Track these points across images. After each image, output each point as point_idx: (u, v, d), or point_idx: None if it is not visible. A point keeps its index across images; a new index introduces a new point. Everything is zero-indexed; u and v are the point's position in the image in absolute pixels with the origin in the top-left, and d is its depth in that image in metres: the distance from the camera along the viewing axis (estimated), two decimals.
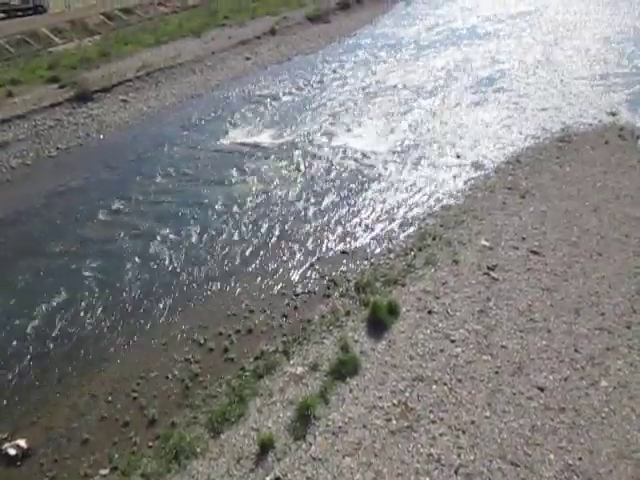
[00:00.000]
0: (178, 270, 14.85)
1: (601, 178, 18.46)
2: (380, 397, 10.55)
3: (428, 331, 12.22)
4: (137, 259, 15.28)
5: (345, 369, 11.07)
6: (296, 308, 13.30)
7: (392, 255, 15.04)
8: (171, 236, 16.24)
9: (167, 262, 15.16)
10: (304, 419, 10.03)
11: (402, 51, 33.51)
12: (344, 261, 14.96)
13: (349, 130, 22.83)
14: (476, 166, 19.59)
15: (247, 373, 11.34)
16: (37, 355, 12.18)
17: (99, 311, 13.42)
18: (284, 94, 27.17)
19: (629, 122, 22.60)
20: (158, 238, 16.16)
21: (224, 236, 16.24)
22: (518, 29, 37.27)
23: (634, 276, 13.85)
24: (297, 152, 21.14)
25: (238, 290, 14.03)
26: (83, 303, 13.67)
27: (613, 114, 23.32)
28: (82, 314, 13.32)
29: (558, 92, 25.98)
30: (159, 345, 12.37)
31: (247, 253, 15.45)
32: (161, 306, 13.53)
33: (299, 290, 13.92)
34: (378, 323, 12.40)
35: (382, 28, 39.10)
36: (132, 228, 16.72)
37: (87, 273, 14.81)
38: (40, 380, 11.54)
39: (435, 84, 27.70)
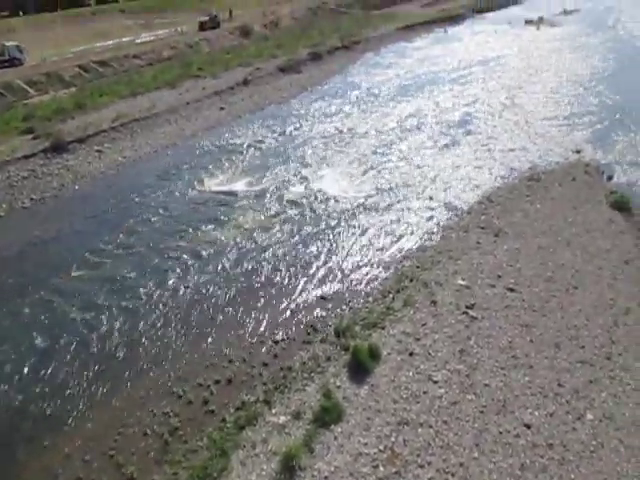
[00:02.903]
0: (154, 322, 14.57)
1: (571, 214, 18.95)
2: (366, 443, 10.34)
3: (410, 373, 12.13)
4: (112, 311, 14.97)
5: (329, 416, 10.87)
6: (276, 356, 13.11)
7: (370, 298, 15.04)
8: (146, 288, 16.00)
9: (142, 314, 14.88)
10: (289, 470, 9.74)
11: (372, 98, 34.47)
12: (323, 306, 14.89)
13: (323, 176, 23.14)
14: (449, 207, 19.95)
15: (228, 425, 11.05)
16: (4, 411, 11.71)
17: (73, 365, 13.03)
18: (258, 142, 27.54)
19: (593, 159, 23.42)
20: (133, 290, 15.92)
21: (201, 285, 16.07)
22: (483, 75, 38.79)
23: (610, 308, 14.08)
24: (272, 199, 21.28)
25: (216, 339, 13.80)
26: (57, 356, 13.29)
27: (578, 152, 24.17)
28: (55, 367, 12.92)
29: (524, 133, 26.89)
30: (137, 399, 12.00)
31: (224, 302, 15.28)
32: (138, 358, 13.20)
33: (278, 337, 13.76)
34: (360, 367, 12.28)
35: (352, 77, 40.28)
36: (106, 280, 16.45)
37: (61, 325, 14.45)
38: (8, 439, 11.05)
39: (405, 129, 28.43)
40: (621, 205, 19.08)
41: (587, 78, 36.45)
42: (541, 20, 59.41)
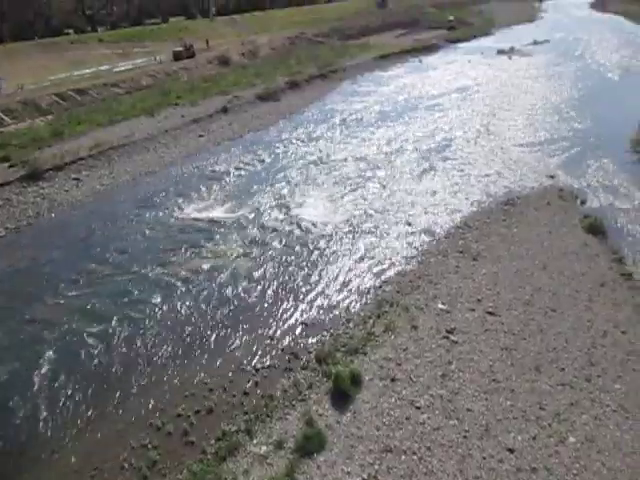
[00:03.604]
0: (130, 352, 14.30)
1: (547, 237, 19.28)
2: (349, 472, 10.20)
3: (392, 399, 12.06)
4: (86, 341, 14.67)
5: (311, 445, 10.71)
6: (257, 384, 12.94)
7: (351, 324, 15.00)
8: (122, 318, 15.72)
9: (118, 345, 14.60)
10: None
11: (350, 125, 34.95)
12: (304, 333, 14.80)
13: (302, 202, 23.24)
14: (428, 232, 20.15)
15: (209, 456, 10.82)
16: None
17: (46, 397, 12.68)
18: (237, 169, 27.61)
19: (567, 184, 23.97)
20: (108, 320, 15.61)
21: (179, 314, 15.87)
22: (458, 102, 39.69)
23: (588, 330, 14.25)
24: (252, 225, 21.26)
25: (196, 368, 13.57)
26: (32, 388, 12.92)
27: (552, 177, 24.73)
28: (27, 400, 12.55)
29: (499, 159, 27.46)
30: (114, 432, 11.70)
31: (204, 330, 15.09)
32: (115, 390, 12.91)
33: (259, 365, 13.60)
34: (342, 394, 12.18)
35: (330, 105, 40.85)
36: (80, 310, 16.13)
37: (36, 357, 14.06)
38: None
39: (383, 156, 28.82)
40: (595, 229, 19.48)
41: (558, 105, 37.55)
42: (512, 50, 61.30)
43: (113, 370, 13.60)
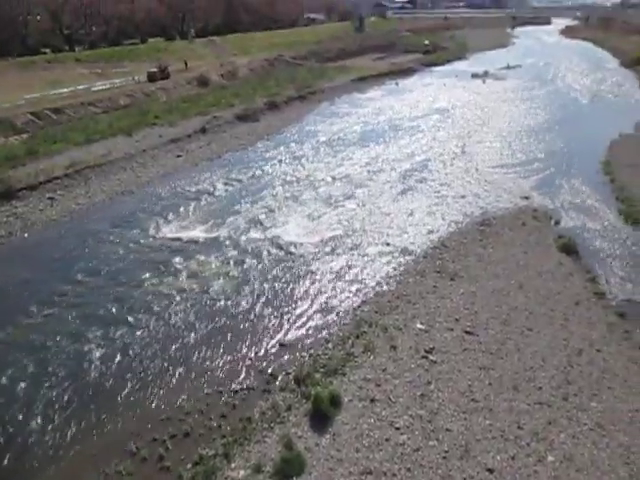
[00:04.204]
0: (104, 375, 13.98)
1: (522, 257, 19.57)
2: None
3: (372, 420, 11.99)
4: (60, 364, 14.31)
5: (290, 468, 10.55)
6: (235, 406, 12.75)
7: (330, 344, 14.93)
8: (96, 339, 15.41)
9: (92, 367, 14.28)
10: None
11: (328, 146, 35.24)
12: (282, 354, 14.67)
13: (280, 222, 23.24)
14: (405, 252, 20.28)
15: None
16: None
17: (16, 422, 12.28)
18: (215, 189, 27.54)
19: (541, 204, 24.45)
20: (83, 342, 15.29)
21: (156, 336, 15.61)
22: (434, 124, 40.37)
23: (564, 348, 14.42)
24: (230, 246, 21.15)
25: (172, 392, 13.32)
26: (2, 412, 12.51)
27: (526, 198, 25.21)
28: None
29: (475, 180, 27.91)
30: (87, 457, 11.37)
31: (179, 352, 14.85)
32: (89, 414, 12.58)
33: (237, 387, 13.42)
34: (321, 416, 12.07)
35: (309, 126, 41.19)
36: (53, 332, 15.75)
37: (6, 378, 13.67)
38: None
39: (361, 176, 29.06)
40: (569, 249, 19.85)
41: (531, 128, 38.46)
42: (486, 74, 62.88)
43: (86, 394, 13.26)
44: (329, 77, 59.39)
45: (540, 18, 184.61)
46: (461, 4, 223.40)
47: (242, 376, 13.78)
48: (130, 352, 14.82)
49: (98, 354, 14.73)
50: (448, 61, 76.57)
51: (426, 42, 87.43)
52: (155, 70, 53.24)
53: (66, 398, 13.10)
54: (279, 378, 13.60)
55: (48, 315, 16.71)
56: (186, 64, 59.09)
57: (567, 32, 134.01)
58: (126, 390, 13.37)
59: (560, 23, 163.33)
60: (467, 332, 15.17)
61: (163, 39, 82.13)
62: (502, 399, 12.55)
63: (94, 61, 59.13)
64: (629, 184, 25.94)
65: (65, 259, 20.49)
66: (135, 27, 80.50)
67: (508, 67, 69.11)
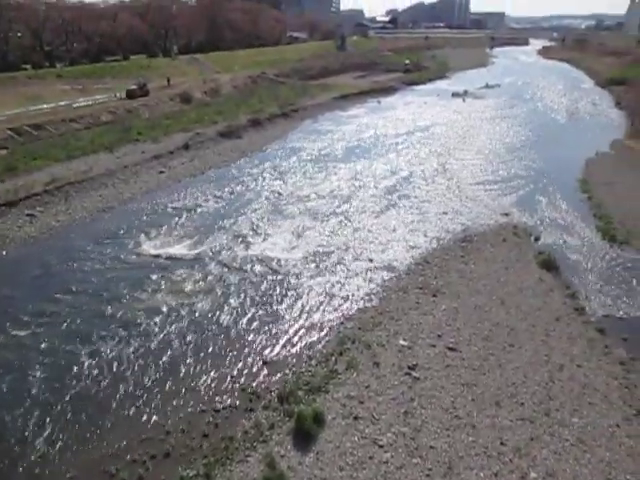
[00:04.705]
0: (83, 394, 13.73)
1: (503, 273, 19.77)
2: None
3: (355, 438, 11.92)
4: (39, 383, 14.02)
5: None
6: (217, 425, 12.59)
7: (313, 362, 14.87)
8: (76, 357, 15.14)
9: (71, 386, 14.01)
10: None
11: (312, 163, 35.41)
12: (265, 371, 14.56)
13: (264, 238, 23.21)
14: (388, 268, 20.37)
15: None
16: None
17: None
18: (198, 206, 27.45)
19: (521, 221, 24.80)
20: (61, 360, 15.01)
21: (136, 354, 15.39)
22: (416, 142, 40.87)
23: (545, 364, 14.54)
24: (212, 262, 21.03)
25: (153, 411, 13.12)
26: None
27: (506, 214, 25.56)
28: None
29: (456, 197, 28.24)
30: None
31: (162, 370, 14.66)
32: (68, 434, 12.31)
33: (219, 405, 13.26)
34: (304, 434, 11.98)
35: (292, 143, 41.39)
36: (32, 350, 15.45)
37: None
38: None
39: (344, 193, 29.22)
40: (549, 265, 20.12)
41: (510, 145, 39.15)
42: (466, 93, 64.08)
43: (64, 414, 12.98)
44: (312, 95, 59.94)
45: (518, 39, 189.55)
46: (441, 24, 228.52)
47: (225, 394, 13.63)
48: (110, 371, 14.58)
49: (77, 373, 14.46)
50: (429, 80, 77.95)
51: (407, 61, 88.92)
52: (134, 87, 52.88)
53: (43, 419, 12.81)
54: (262, 396, 13.48)
55: (25, 334, 16.37)
56: (169, 81, 59.17)
57: (544, 52, 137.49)
58: (106, 410, 13.13)
59: (537, 44, 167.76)
60: (450, 348, 15.23)
61: (146, 56, 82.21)
62: (485, 415, 12.59)
63: (75, 77, 58.90)
64: (605, 202, 26.47)
65: (44, 276, 20.17)
66: (117, 44, 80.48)
67: (487, 86, 70.52)
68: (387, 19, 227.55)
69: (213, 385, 14.00)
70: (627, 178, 30.40)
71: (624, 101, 54.64)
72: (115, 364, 14.88)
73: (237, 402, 13.33)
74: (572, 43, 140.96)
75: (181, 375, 14.43)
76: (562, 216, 25.40)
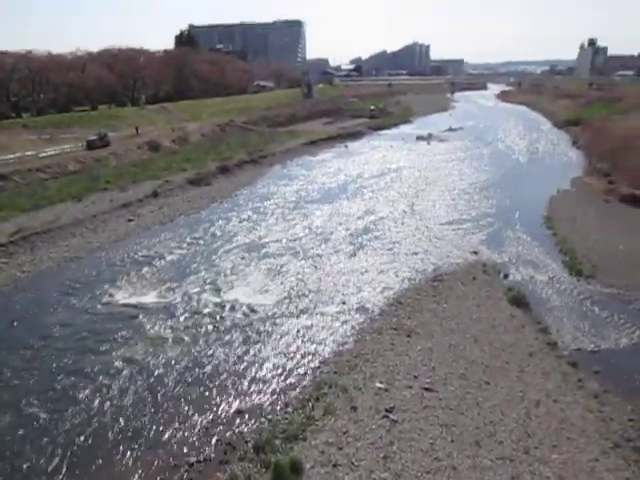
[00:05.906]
0: (48, 450, 13.09)
1: (475, 311, 19.95)
2: None
3: None
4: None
5: None
6: None
7: (290, 408, 14.56)
8: (37, 414, 14.49)
9: (37, 442, 13.37)
10: None
11: (281, 208, 35.63)
12: (240, 421, 14.17)
13: (235, 285, 22.99)
14: (361, 310, 20.34)
15: None
16: None
17: None
18: (168, 254, 27.15)
19: (490, 259, 25.23)
20: (25, 416, 14.37)
21: (105, 407, 14.83)
22: (384, 185, 41.63)
23: (521, 400, 14.55)
24: (183, 310, 20.68)
25: (123, 467, 12.55)
26: None
27: (475, 253, 26.01)
28: None
29: (425, 237, 28.67)
30: None
31: (131, 423, 14.12)
32: None
33: (193, 459, 12.79)
34: None
35: (261, 188, 41.67)
36: None
37: None
38: None
39: (315, 236, 29.38)
40: (519, 301, 20.42)
41: (476, 186, 40.21)
42: (430, 136, 66.02)
43: (25, 475, 12.31)
44: (280, 141, 60.86)
45: (477, 84, 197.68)
46: (403, 72, 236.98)
47: (199, 447, 13.18)
48: (76, 426, 13.97)
49: (38, 433, 13.81)
50: (394, 125, 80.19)
51: (372, 107, 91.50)
52: (94, 138, 52.01)
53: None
54: (237, 447, 13.07)
55: None
56: (137, 129, 59.34)
57: (503, 96, 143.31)
58: (70, 468, 12.51)
59: (495, 88, 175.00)
60: (426, 389, 15.13)
61: (114, 105, 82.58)
62: (465, 456, 12.44)
63: (43, 127, 58.52)
64: (570, 237, 27.23)
65: (8, 330, 19.46)
66: (85, 94, 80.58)
67: (451, 129, 72.87)
68: (352, 67, 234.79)
69: (186, 438, 13.54)
70: (588, 213, 31.44)
71: (581, 140, 57.02)
72: (79, 421, 14.25)
73: (211, 455, 12.90)
74: (528, 87, 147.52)
75: (152, 429, 13.91)
76: (529, 252, 25.97)
